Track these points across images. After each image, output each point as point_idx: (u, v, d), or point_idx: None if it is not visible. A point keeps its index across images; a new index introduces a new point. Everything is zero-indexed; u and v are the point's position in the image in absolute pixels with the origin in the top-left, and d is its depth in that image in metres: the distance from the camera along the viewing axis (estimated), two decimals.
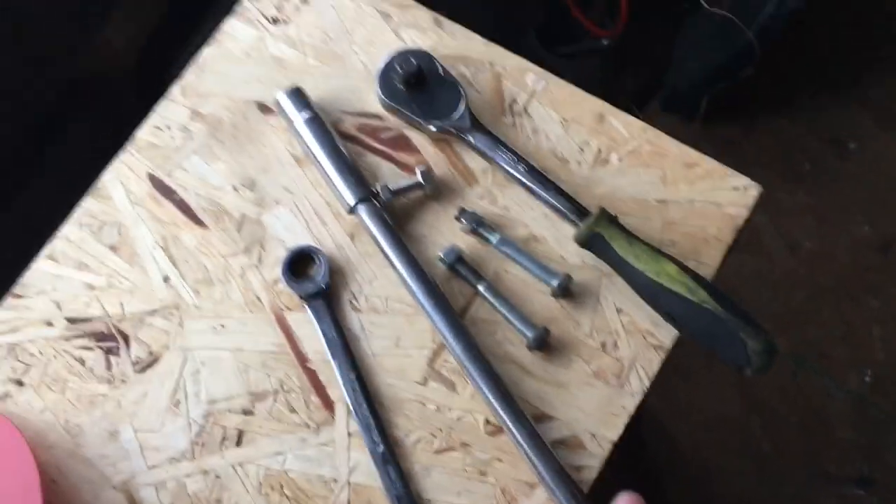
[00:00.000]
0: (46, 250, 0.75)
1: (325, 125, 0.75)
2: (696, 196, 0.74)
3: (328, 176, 0.74)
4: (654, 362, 0.70)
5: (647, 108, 1.84)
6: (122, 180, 0.77)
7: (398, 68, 0.74)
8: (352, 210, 0.73)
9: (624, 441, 0.69)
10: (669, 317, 0.68)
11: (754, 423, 1.64)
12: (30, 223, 1.12)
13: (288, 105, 0.75)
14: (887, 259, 1.76)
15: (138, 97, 1.30)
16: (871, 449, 1.62)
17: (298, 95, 0.75)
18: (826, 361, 1.69)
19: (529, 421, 0.66)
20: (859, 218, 1.79)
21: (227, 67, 0.80)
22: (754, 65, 1.58)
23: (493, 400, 0.67)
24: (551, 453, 0.65)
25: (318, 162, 0.74)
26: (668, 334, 0.71)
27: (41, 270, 0.75)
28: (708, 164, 0.75)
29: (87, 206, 0.76)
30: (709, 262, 0.72)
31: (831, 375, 1.67)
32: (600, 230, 0.69)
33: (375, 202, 0.72)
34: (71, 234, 0.75)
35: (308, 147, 0.74)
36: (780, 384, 1.67)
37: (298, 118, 0.74)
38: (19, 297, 0.74)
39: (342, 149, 0.74)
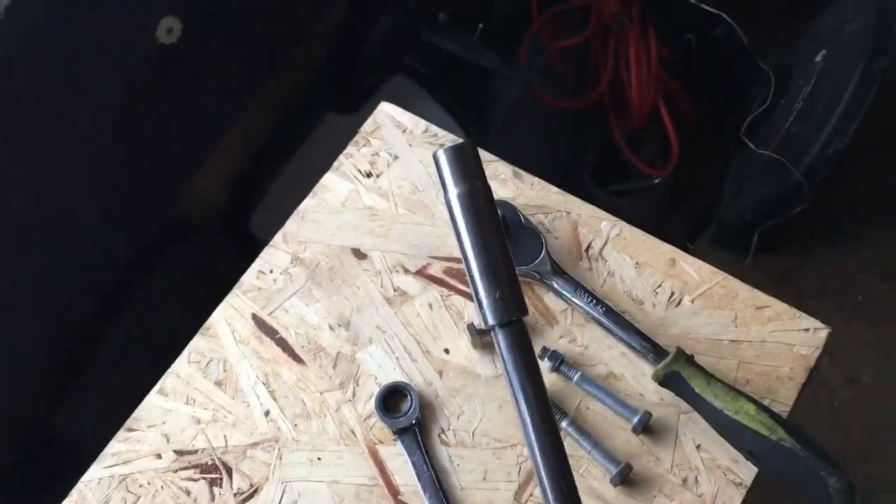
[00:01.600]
0: (158, 386, 0.81)
1: (490, 204, 0.54)
2: (767, 337, 0.78)
3: (472, 277, 0.54)
4: (735, 499, 0.73)
5: (698, 243, 1.89)
6: (228, 320, 0.84)
7: None
8: (486, 331, 0.59)
9: None
10: (750, 454, 0.71)
11: None
12: (124, 356, 1.19)
13: (447, 170, 0.53)
14: None
15: (225, 233, 1.39)
16: None
17: (464, 157, 0.53)
18: (892, 498, 1.65)
19: None
20: None
21: (324, 217, 0.88)
22: (804, 203, 1.64)
23: None
24: None
25: (465, 254, 0.54)
26: (748, 471, 0.73)
27: (153, 405, 0.80)
28: (777, 306, 0.79)
29: (196, 343, 0.83)
30: (783, 401, 0.75)
31: None
32: (678, 369, 0.73)
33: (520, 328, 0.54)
34: (181, 371, 0.82)
35: (458, 233, 0.54)
36: None
37: (453, 189, 0.53)
38: (132, 430, 0.79)
39: (506, 244, 0.54)
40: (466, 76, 1.60)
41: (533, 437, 0.53)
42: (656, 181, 1.79)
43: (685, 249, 0.83)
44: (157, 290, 1.25)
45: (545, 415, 0.53)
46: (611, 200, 1.82)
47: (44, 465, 1.06)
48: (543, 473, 0.53)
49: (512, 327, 0.54)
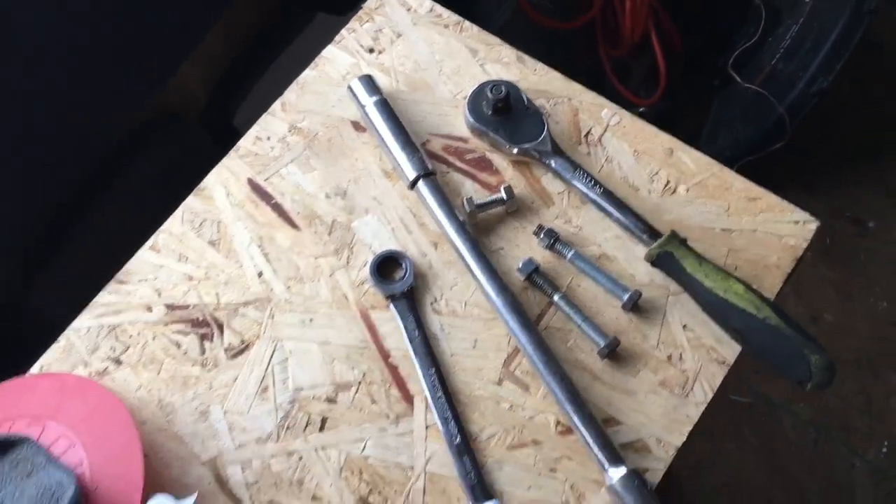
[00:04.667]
0: (150, 241, 0.80)
1: (391, 108, 0.82)
2: (758, 227, 0.79)
3: (392, 153, 0.81)
4: (717, 376, 0.75)
5: None
6: (223, 183, 0.83)
7: (488, 94, 0.81)
8: (412, 184, 0.80)
9: None
10: (735, 332, 0.73)
11: (775, 488, 1.66)
12: (97, 245, 1.17)
13: (360, 90, 0.83)
14: None
15: (209, 131, 1.37)
16: None
17: (370, 82, 0.84)
18: (847, 432, 1.72)
19: (598, 423, 0.71)
20: (878, 293, 1.84)
21: (324, 88, 0.87)
22: (784, 139, 1.66)
23: (564, 402, 0.71)
24: (620, 456, 0.69)
25: (384, 140, 0.81)
26: (730, 351, 0.75)
27: (144, 260, 0.80)
28: (769, 198, 0.81)
29: (190, 203, 0.82)
30: (769, 289, 0.77)
31: (852, 445, 1.69)
32: (671, 249, 0.75)
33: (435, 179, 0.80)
34: (174, 228, 0.81)
35: (376, 127, 0.82)
36: (802, 452, 1.69)
37: (369, 101, 0.82)
38: (122, 283, 0.79)
39: (407, 130, 0.82)
40: None
41: (457, 239, 0.77)
42: (640, 110, 1.79)
43: None
44: (134, 181, 1.23)
45: (460, 224, 0.77)
46: None
47: (14, 340, 1.05)
48: (469, 256, 0.77)
49: (430, 177, 0.80)
